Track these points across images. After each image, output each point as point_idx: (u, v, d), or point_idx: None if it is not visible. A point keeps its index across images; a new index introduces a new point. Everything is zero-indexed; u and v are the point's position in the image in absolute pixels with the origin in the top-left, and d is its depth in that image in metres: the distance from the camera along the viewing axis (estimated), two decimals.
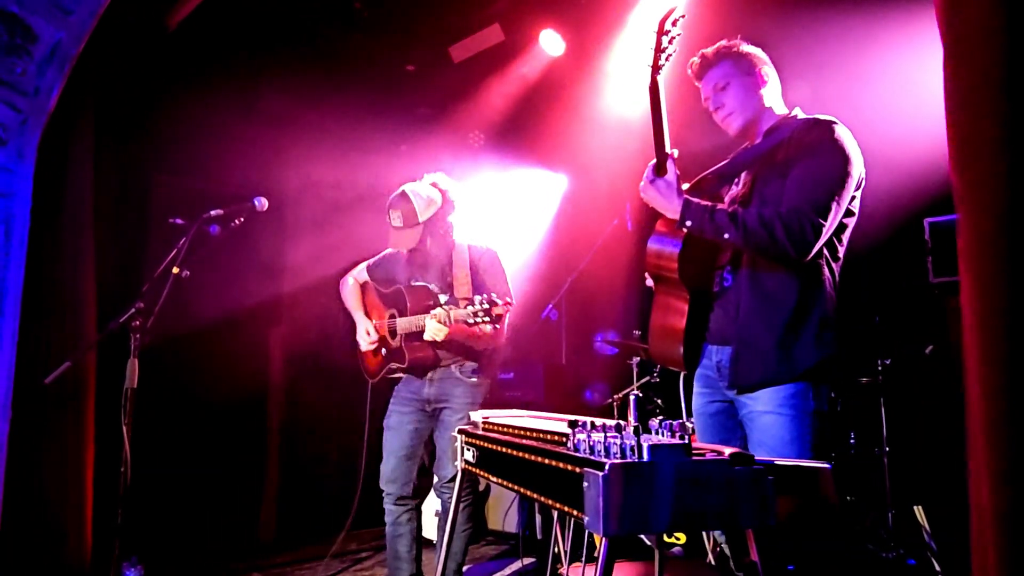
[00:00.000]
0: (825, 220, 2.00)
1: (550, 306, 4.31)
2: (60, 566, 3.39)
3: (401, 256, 3.35)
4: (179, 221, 3.16)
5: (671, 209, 2.08)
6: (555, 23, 4.84)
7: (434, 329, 2.99)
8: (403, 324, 3.17)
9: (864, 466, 3.81)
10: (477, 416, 2.19)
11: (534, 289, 5.69)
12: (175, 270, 2.95)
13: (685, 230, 2.08)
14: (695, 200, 2.07)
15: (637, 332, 4.45)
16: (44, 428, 3.39)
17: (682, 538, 3.81)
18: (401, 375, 3.31)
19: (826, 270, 2.13)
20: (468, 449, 2.14)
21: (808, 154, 2.07)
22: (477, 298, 2.84)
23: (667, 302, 2.24)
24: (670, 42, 1.99)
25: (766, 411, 2.08)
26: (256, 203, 3.15)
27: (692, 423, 1.55)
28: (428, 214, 3.14)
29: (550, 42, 4.91)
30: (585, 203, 5.65)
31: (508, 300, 3.00)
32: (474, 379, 3.20)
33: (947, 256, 3.00)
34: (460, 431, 2.27)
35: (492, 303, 2.81)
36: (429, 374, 3.22)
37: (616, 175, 4.97)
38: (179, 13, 3.94)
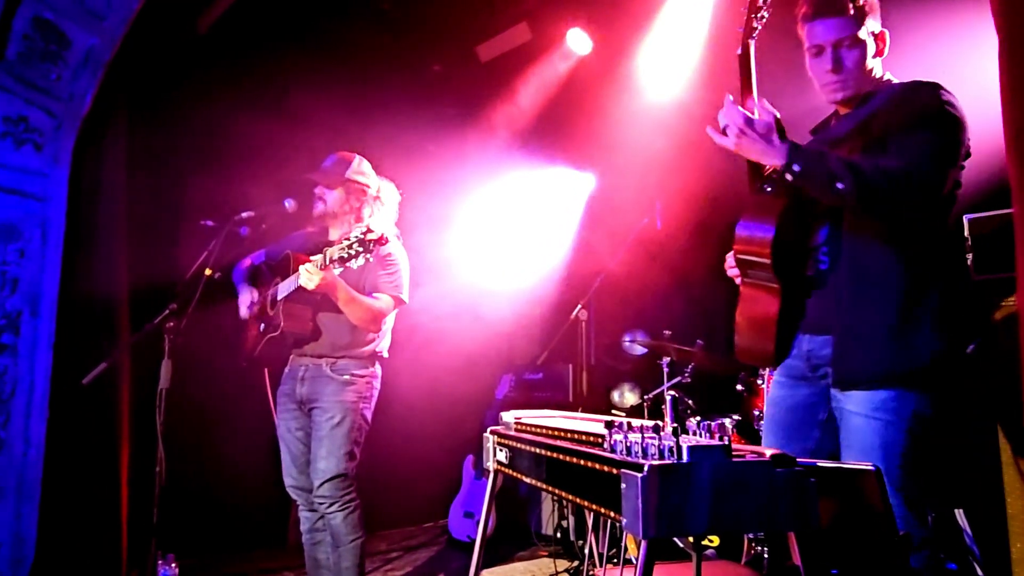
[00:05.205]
0: (944, 176, 1.81)
1: (579, 306, 4.28)
2: (96, 565, 3.44)
3: (303, 234, 3.34)
4: (210, 223, 3.18)
5: (774, 153, 1.81)
6: (583, 22, 4.83)
7: (307, 274, 2.79)
8: (283, 287, 3.00)
9: None
10: (509, 416, 2.17)
11: (563, 289, 5.67)
12: (207, 272, 2.97)
13: (790, 178, 1.81)
14: (801, 145, 1.83)
15: (668, 332, 4.40)
16: (80, 428, 3.44)
17: (715, 540, 3.76)
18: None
19: (942, 242, 1.91)
20: (500, 449, 2.13)
21: (918, 119, 1.85)
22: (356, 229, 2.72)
23: (756, 292, 1.96)
24: (767, 6, 1.87)
25: (856, 412, 1.89)
26: (286, 204, 3.17)
27: (731, 422, 1.51)
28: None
29: (578, 41, 4.90)
30: (614, 202, 5.61)
31: (399, 296, 3.05)
32: (345, 377, 3.03)
33: (987, 253, 2.91)
34: (492, 431, 2.25)
35: (369, 230, 2.67)
36: (300, 373, 3.10)
37: (645, 174, 4.93)
38: (209, 16, 3.98)
